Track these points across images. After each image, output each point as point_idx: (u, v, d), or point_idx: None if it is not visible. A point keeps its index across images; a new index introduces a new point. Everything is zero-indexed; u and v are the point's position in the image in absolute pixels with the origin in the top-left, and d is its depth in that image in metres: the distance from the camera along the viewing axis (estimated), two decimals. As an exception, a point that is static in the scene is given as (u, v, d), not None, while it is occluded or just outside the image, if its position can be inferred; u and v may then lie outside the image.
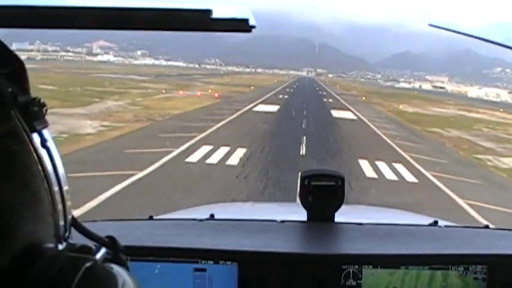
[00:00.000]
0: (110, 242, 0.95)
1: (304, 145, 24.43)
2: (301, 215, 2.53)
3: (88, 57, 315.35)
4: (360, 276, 2.12)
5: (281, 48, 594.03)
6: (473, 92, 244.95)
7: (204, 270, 2.13)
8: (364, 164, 20.96)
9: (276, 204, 7.39)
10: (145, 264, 2.09)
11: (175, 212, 3.79)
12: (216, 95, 54.58)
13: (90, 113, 31.80)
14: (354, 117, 44.66)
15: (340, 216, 2.52)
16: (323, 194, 2.45)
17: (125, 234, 2.23)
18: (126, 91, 51.47)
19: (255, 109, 44.11)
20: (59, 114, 27.69)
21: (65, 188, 0.84)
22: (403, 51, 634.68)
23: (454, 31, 0.86)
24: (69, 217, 0.87)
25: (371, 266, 2.11)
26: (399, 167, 21.23)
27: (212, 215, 2.63)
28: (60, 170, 0.82)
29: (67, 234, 0.87)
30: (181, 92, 55.64)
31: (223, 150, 21.27)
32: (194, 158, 19.69)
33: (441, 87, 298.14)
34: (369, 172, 19.50)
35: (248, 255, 2.13)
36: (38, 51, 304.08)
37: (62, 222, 0.84)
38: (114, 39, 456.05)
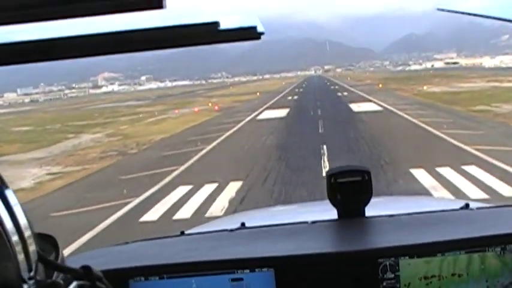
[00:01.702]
0: (85, 272, 0.94)
1: (325, 160, 17.44)
2: (332, 213, 2.48)
3: (92, 91, 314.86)
4: (397, 268, 2.05)
5: (286, 51, 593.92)
6: (487, 62, 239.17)
7: (241, 279, 2.07)
8: (423, 177, 14.13)
9: (305, 204, 6.19)
10: (182, 281, 2.06)
11: (205, 224, 3.81)
12: (216, 107, 50.81)
13: (47, 155, 26.59)
14: (379, 108, 37.99)
15: (370, 210, 2.46)
16: (351, 190, 2.40)
17: (159, 252, 2.26)
18: (114, 120, 47.83)
19: (260, 117, 38.16)
20: (6, 163, 23.81)
21: (27, 233, 0.86)
22: (407, 34, 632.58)
23: (463, 13, 0.94)
24: (34, 255, 0.87)
25: (407, 257, 2.05)
26: (474, 171, 14.38)
27: (243, 224, 2.57)
28: (21, 219, 0.85)
29: (32, 273, 0.86)
30: (176, 111, 51.83)
31: (206, 191, 14.63)
32: (157, 211, 12.97)
33: (454, 63, 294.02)
34: (437, 192, 12.48)
35: (283, 260, 2.07)
36: (44, 92, 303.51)
37: (24, 262, 0.85)
38: (119, 69, 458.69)
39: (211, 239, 2.44)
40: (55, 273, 0.92)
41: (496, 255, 2.04)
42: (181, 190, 14.91)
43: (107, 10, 0.78)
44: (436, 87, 61.23)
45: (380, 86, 71.58)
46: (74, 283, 0.88)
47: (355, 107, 39.94)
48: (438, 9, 1.12)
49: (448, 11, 1.06)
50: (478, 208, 2.57)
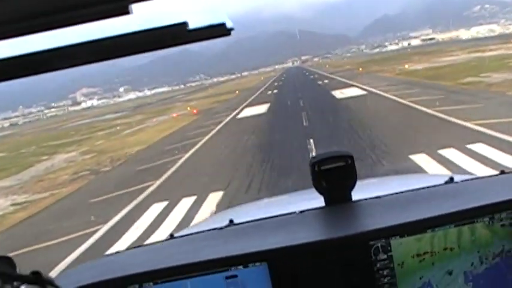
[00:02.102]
0: (34, 278, 0.95)
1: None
2: (319, 201, 2.47)
3: (72, 108, 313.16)
4: (389, 248, 2.06)
5: (261, 47, 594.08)
6: (463, 34, 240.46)
7: (235, 276, 2.07)
8: (427, 163, 12.48)
9: (291, 195, 5.51)
10: (177, 283, 2.05)
11: (194, 225, 3.87)
12: (195, 111, 49.22)
13: (16, 183, 24.77)
14: (363, 92, 36.29)
15: (356, 194, 2.46)
16: (335, 176, 2.39)
17: (151, 258, 2.24)
18: (91, 136, 46.54)
19: (240, 116, 36.54)
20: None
21: None
22: (380, 16, 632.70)
23: None
24: None
25: (398, 237, 2.06)
26: (483, 149, 12.83)
27: (231, 221, 2.56)
28: None
29: None
30: (154, 119, 51.25)
31: (183, 206, 12.91)
32: (127, 240, 11.11)
33: (431, 39, 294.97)
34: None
35: (275, 253, 2.06)
36: (23, 115, 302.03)
37: None
38: (96, 83, 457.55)
39: (201, 239, 2.40)
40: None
41: (485, 225, 2.05)
42: (156, 208, 13.20)
43: (72, 21, 0.77)
44: (417, 64, 60.09)
45: (360, 70, 70.47)
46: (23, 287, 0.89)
47: (338, 93, 38.23)
48: None
49: None
50: (462, 181, 2.59)
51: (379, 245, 2.05)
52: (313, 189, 2.43)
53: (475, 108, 19.40)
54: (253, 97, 56.01)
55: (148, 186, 16.40)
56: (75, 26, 0.78)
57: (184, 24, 0.82)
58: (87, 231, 12.16)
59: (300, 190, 4.80)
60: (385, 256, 2.05)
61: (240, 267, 2.06)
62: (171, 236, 2.67)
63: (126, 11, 0.75)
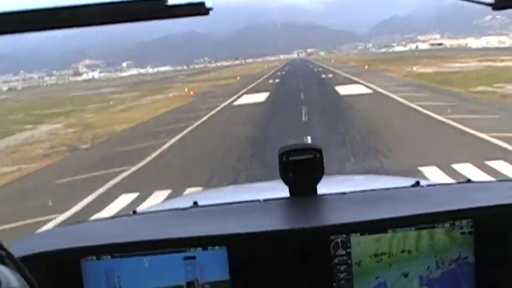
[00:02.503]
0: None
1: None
2: (284, 191, 2.42)
3: (73, 78, 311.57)
4: (348, 244, 2.06)
5: (268, 35, 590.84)
6: (472, 43, 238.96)
7: (193, 257, 2.06)
8: (435, 175, 11.03)
9: (258, 184, 5.85)
10: (134, 259, 2.02)
11: (158, 204, 3.79)
12: (191, 93, 48.11)
13: None
14: (368, 90, 34.63)
15: (322, 188, 2.43)
16: (302, 168, 2.35)
17: (111, 231, 2.21)
18: (83, 108, 45.51)
19: (237, 103, 34.79)
20: None
21: None
22: (390, 16, 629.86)
23: None
24: None
25: (358, 234, 2.06)
26: (504, 168, 11.17)
27: (195, 203, 2.54)
28: None
29: None
30: (149, 98, 50.21)
31: (154, 201, 10.86)
32: None
33: (439, 44, 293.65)
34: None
35: (235, 238, 2.05)
36: (23, 80, 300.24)
37: None
38: (100, 55, 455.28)
39: (163, 218, 2.39)
40: None
41: (445, 231, 2.07)
42: (123, 200, 11.54)
43: None
44: (426, 67, 58.43)
45: (366, 67, 68.95)
46: None
47: (342, 89, 36.55)
48: None
49: None
50: (428, 185, 2.61)
51: (339, 240, 2.03)
52: (280, 180, 2.39)
53: (491, 120, 17.75)
54: (253, 84, 54.43)
55: (122, 171, 14.78)
56: None
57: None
58: (37, 219, 10.48)
59: (267, 181, 4.90)
60: (344, 252, 2.05)
61: (199, 249, 2.04)
62: (134, 212, 2.56)
63: None
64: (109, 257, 1.97)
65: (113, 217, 2.56)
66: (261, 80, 63.49)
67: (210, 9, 0.85)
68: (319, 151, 2.36)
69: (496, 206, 2.10)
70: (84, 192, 12.51)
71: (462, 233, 2.07)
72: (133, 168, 15.14)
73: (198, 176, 12.86)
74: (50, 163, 18.06)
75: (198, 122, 24.81)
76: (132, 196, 11.73)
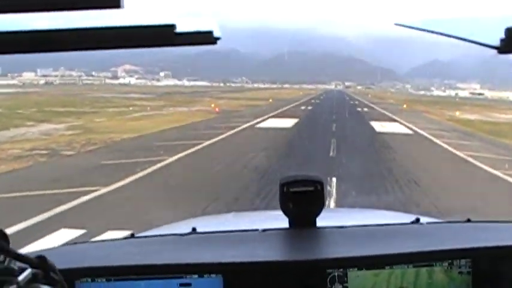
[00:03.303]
0: (39, 262, 0.96)
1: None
2: (283, 222, 2.46)
3: (109, 81, 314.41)
4: (345, 279, 2.06)
5: (308, 64, 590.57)
6: None
7: (189, 284, 2.06)
8: None
9: (258, 213, 6.43)
10: (130, 283, 2.02)
11: (157, 228, 3.48)
12: (217, 109, 46.24)
13: None
14: (407, 130, 31.25)
15: (321, 221, 2.45)
16: (303, 200, 2.38)
17: (108, 254, 2.20)
18: (99, 110, 43.63)
19: (261, 125, 31.62)
20: None
21: None
22: (431, 60, 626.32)
23: (421, 29, 0.93)
24: None
25: (356, 269, 2.06)
26: None
27: (194, 229, 2.53)
28: None
29: None
30: (171, 109, 48.14)
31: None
32: None
33: (480, 93, 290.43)
34: None
35: (232, 267, 2.06)
36: (62, 76, 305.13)
37: None
38: (140, 62, 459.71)
39: (161, 243, 2.40)
40: (6, 261, 0.92)
41: (444, 270, 2.06)
42: (59, 238, 8.14)
43: (62, 6, 0.78)
44: (469, 114, 55.92)
45: (405, 106, 66.26)
46: (28, 270, 0.89)
47: (378, 126, 33.13)
48: (396, 24, 1.06)
49: (406, 26, 1.02)
50: (428, 223, 2.59)
51: (336, 274, 2.02)
52: (280, 210, 2.40)
53: None
54: (284, 108, 51.63)
55: (88, 192, 11.52)
56: (64, 12, 0.78)
57: (172, 26, 0.82)
58: None
59: (267, 210, 5.08)
60: (341, 286, 2.04)
61: (195, 276, 2.03)
62: (132, 235, 2.56)
63: (117, 5, 0.76)
64: (104, 280, 1.94)
65: (111, 240, 2.59)
66: (293, 105, 60.64)
67: (218, 38, 0.84)
68: (321, 183, 2.37)
69: (495, 248, 2.09)
70: (30, 214, 9.47)
71: (460, 273, 2.06)
72: (104, 190, 11.87)
73: (179, 214, 9.48)
74: (15, 167, 14.93)
75: (208, 142, 21.56)
76: (74, 234, 8.41)
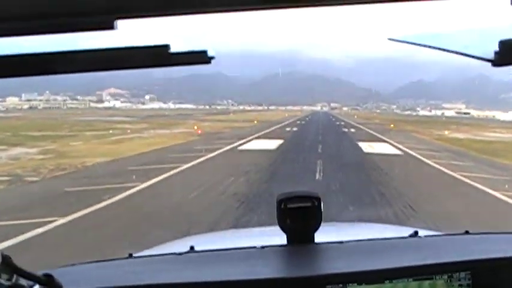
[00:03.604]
0: (46, 280, 0.99)
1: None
2: (281, 238, 2.44)
3: (94, 104, 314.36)
4: None
5: (294, 85, 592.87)
6: (499, 116, 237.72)
7: None
8: None
9: (256, 229, 6.34)
10: None
11: (154, 247, 3.41)
12: (199, 131, 45.57)
13: None
14: (397, 151, 29.97)
15: (319, 236, 2.42)
16: (300, 216, 2.36)
17: (105, 274, 2.18)
18: (76, 134, 42.34)
19: (243, 147, 30.18)
20: None
21: None
22: (416, 80, 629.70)
23: (415, 43, 0.93)
24: None
25: (355, 284, 2.05)
26: None
27: (192, 247, 2.51)
28: None
29: None
30: (152, 131, 47.16)
31: None
32: None
33: (465, 113, 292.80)
34: None
35: (231, 285, 2.05)
36: (47, 100, 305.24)
37: None
38: (125, 85, 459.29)
39: (159, 262, 2.38)
40: (14, 278, 0.93)
41: (444, 282, 2.06)
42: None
43: (55, 28, 0.79)
44: (457, 133, 55.18)
45: (392, 126, 65.91)
46: (37, 286, 0.92)
47: (366, 146, 31.85)
48: (389, 39, 1.05)
49: (399, 41, 1.02)
50: (426, 236, 2.58)
51: None
52: (277, 227, 2.38)
53: None
54: (269, 130, 50.62)
55: (41, 225, 10.18)
56: (58, 34, 0.79)
57: (167, 47, 0.83)
58: None
59: (265, 226, 5.15)
60: None
61: None
62: (130, 255, 2.52)
63: (110, 26, 0.77)
64: None
65: (110, 260, 2.48)
66: (278, 126, 59.73)
67: (212, 57, 0.85)
68: (318, 199, 2.34)
69: (494, 259, 2.10)
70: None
71: (460, 285, 2.07)
72: (56, 223, 10.40)
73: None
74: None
75: (186, 166, 20.19)
76: None
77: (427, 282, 2.03)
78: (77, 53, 0.82)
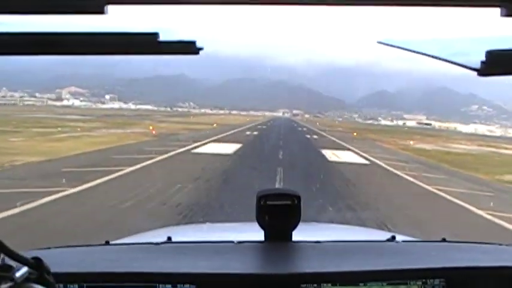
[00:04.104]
0: (35, 263, 0.97)
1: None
2: (259, 234, 2.43)
3: (52, 102, 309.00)
4: None
5: (257, 91, 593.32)
6: (460, 128, 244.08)
7: None
8: None
9: (234, 224, 5.74)
10: None
11: (132, 236, 3.48)
12: (154, 132, 44.00)
13: None
14: (363, 160, 28.25)
15: (297, 235, 2.42)
16: (279, 213, 2.36)
17: (81, 260, 2.17)
18: (20, 130, 39.48)
19: (198, 150, 27.91)
20: None
21: None
22: (379, 90, 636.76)
23: (404, 48, 0.93)
24: None
25: (330, 284, 2.03)
26: None
27: (169, 238, 2.50)
28: None
29: None
30: (104, 130, 45.07)
31: None
32: None
33: (427, 124, 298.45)
34: None
35: (206, 278, 2.03)
36: (4, 97, 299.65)
37: None
38: (86, 85, 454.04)
39: (135, 251, 2.35)
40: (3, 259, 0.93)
41: None
42: None
43: (46, 9, 0.79)
44: (423, 144, 54.25)
45: (355, 134, 65.20)
46: (25, 268, 0.90)
47: (330, 154, 29.95)
48: (378, 43, 1.04)
49: (388, 45, 1.01)
50: (404, 241, 2.57)
51: None
52: (256, 223, 2.36)
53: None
54: (228, 133, 48.78)
55: None
56: (47, 16, 0.79)
57: (155, 35, 0.83)
58: None
59: (244, 221, 4.23)
60: None
61: (168, 285, 1.99)
62: (107, 242, 2.50)
63: (101, 11, 0.77)
64: (77, 286, 1.92)
65: (85, 245, 2.48)
66: (238, 130, 57.99)
67: (201, 48, 0.84)
68: (298, 198, 2.34)
69: (468, 268, 2.10)
70: None
71: None
72: None
73: None
74: None
75: (129, 169, 17.87)
76: None
77: (401, 287, 2.00)
78: (64, 35, 0.81)
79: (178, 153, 24.84)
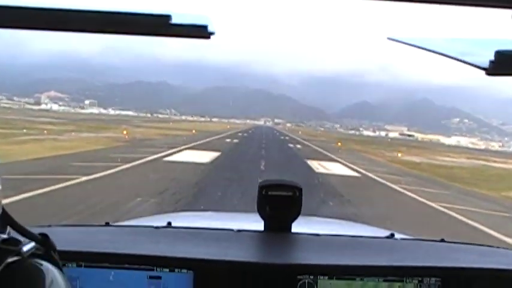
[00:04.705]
0: (42, 239, 0.97)
1: None
2: (259, 224, 2.43)
3: (30, 106, 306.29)
4: (315, 287, 2.01)
5: (239, 99, 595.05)
6: (443, 140, 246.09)
7: (159, 277, 2.02)
8: None
9: (235, 214, 6.18)
10: (100, 271, 1.99)
11: (133, 219, 3.54)
12: (127, 137, 42.37)
13: None
14: (352, 172, 26.00)
15: (297, 227, 2.41)
16: (280, 204, 2.35)
17: (81, 239, 2.17)
18: None
19: (171, 158, 25.43)
20: None
21: None
22: (360, 101, 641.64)
23: (414, 45, 0.93)
24: None
25: (326, 277, 2.01)
26: None
27: (169, 223, 2.52)
28: None
29: None
30: (73, 134, 42.78)
31: None
32: None
33: (409, 135, 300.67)
34: None
35: (203, 264, 2.02)
36: None
37: None
38: (66, 90, 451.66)
39: (135, 234, 2.37)
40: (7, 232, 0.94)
41: (413, 286, 2.03)
42: None
43: None
44: (411, 156, 52.50)
45: (339, 144, 63.35)
46: (33, 243, 0.90)
47: (317, 165, 27.80)
48: (389, 39, 1.05)
49: (399, 41, 1.02)
50: (402, 239, 2.59)
51: (306, 281, 1.98)
52: (256, 213, 2.36)
53: None
54: (206, 140, 46.58)
55: None
56: None
57: (168, 17, 0.82)
58: None
59: (245, 212, 4.33)
60: None
61: (166, 270, 2.00)
62: (107, 223, 2.51)
63: None
64: (75, 265, 1.92)
65: (85, 225, 2.53)
66: (217, 137, 55.89)
67: (212, 33, 0.84)
68: (300, 189, 2.33)
69: (465, 269, 2.08)
70: None
71: None
72: None
73: None
74: None
75: (85, 178, 15.29)
76: None
77: (397, 284, 2.00)
78: (74, 12, 0.80)
79: (148, 161, 22.35)
